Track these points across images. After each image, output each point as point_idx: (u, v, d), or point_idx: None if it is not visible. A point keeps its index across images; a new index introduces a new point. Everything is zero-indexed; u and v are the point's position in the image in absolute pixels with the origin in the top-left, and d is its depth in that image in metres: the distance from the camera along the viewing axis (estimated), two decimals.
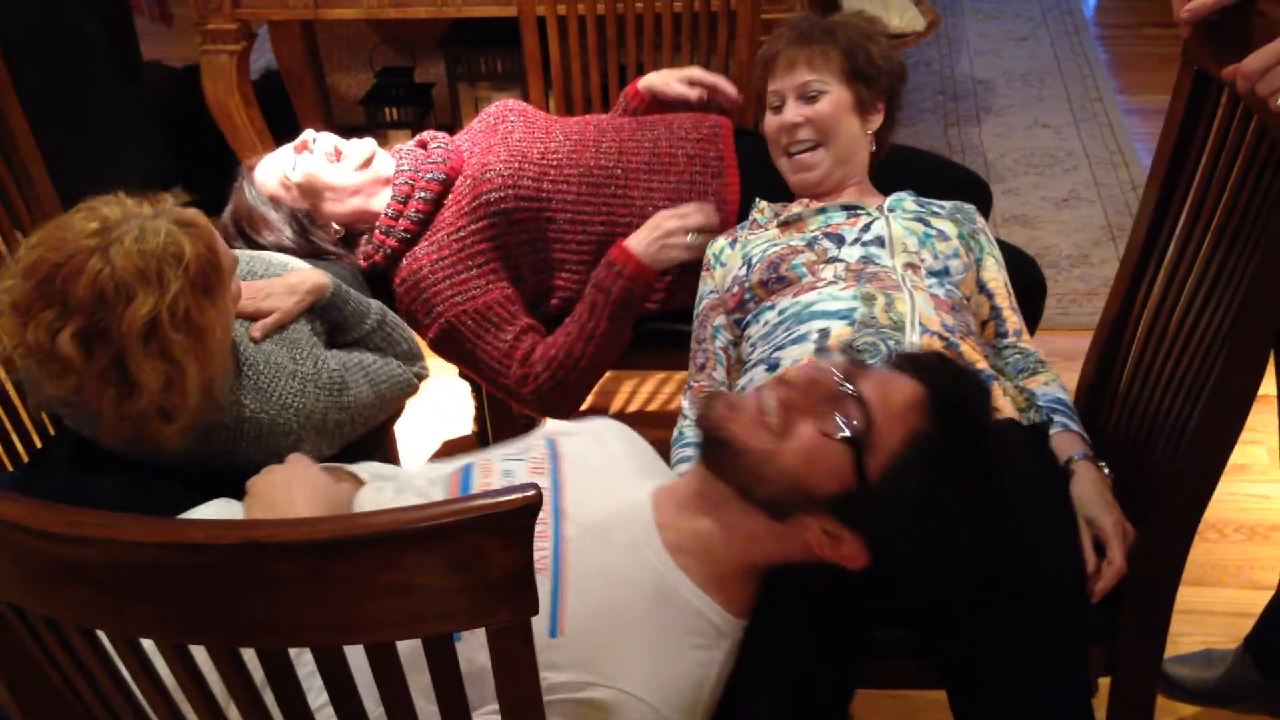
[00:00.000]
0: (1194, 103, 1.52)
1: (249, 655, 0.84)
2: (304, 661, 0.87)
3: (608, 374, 2.73)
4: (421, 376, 1.90)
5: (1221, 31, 1.41)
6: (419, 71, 3.68)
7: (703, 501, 1.26)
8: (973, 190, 2.07)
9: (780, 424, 1.20)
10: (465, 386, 2.52)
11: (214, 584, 0.78)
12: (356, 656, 0.84)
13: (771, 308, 1.67)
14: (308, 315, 1.77)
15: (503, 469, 1.36)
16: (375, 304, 1.86)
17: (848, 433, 1.17)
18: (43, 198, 1.92)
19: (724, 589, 1.24)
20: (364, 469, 1.47)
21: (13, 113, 1.86)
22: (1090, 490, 1.43)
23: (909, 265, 1.67)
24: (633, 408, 2.73)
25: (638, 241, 1.92)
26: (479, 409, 2.52)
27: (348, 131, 2.16)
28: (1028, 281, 1.91)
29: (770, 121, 1.90)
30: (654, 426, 2.53)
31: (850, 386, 1.19)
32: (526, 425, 2.58)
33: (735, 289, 1.74)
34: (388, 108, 3.50)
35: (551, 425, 1.47)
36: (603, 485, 1.32)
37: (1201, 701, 1.88)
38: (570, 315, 1.98)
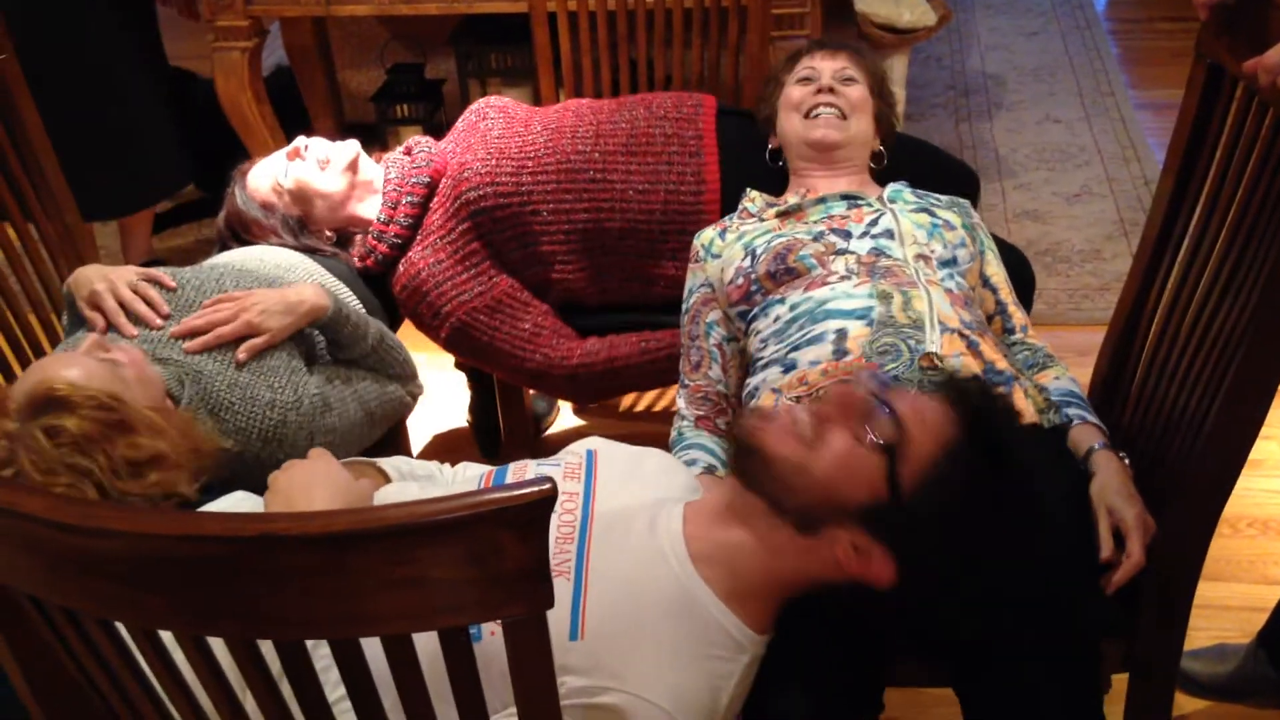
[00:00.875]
0: (1208, 96, 1.52)
1: (267, 649, 0.84)
2: (320, 655, 0.88)
3: None
4: (415, 395, 1.87)
5: (1237, 25, 1.40)
6: (430, 68, 3.68)
7: (732, 514, 1.25)
8: (961, 179, 2.06)
9: (813, 433, 1.20)
10: (460, 377, 2.50)
11: (230, 576, 0.78)
12: (375, 655, 0.84)
13: (781, 301, 1.64)
14: (291, 338, 1.71)
15: (536, 473, 1.36)
16: (375, 325, 1.81)
17: (881, 440, 1.17)
18: (55, 190, 1.93)
19: (746, 604, 1.24)
20: (393, 465, 1.47)
21: (25, 105, 1.87)
22: (1113, 480, 1.42)
23: (920, 256, 1.66)
24: (640, 406, 2.73)
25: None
26: (475, 401, 2.51)
27: (358, 129, 2.16)
28: (1019, 280, 1.90)
29: (797, 90, 1.91)
30: (659, 422, 2.53)
31: (883, 401, 1.20)
32: (538, 421, 2.58)
33: (740, 281, 1.70)
34: (399, 104, 3.50)
35: (595, 438, 1.47)
36: (635, 497, 1.32)
37: (1214, 696, 1.88)
38: (641, 336, 2.00)
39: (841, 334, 1.52)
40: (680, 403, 1.72)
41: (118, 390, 1.43)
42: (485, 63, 3.40)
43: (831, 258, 1.66)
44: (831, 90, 1.88)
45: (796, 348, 1.55)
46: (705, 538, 1.26)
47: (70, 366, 1.45)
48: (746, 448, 1.24)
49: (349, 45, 3.80)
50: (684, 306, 1.82)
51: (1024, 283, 1.93)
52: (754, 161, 2.00)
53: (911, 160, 2.00)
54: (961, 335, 1.51)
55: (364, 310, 1.91)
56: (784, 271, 1.67)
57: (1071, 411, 1.53)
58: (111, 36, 2.80)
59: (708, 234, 1.84)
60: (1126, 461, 1.47)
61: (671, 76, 2.43)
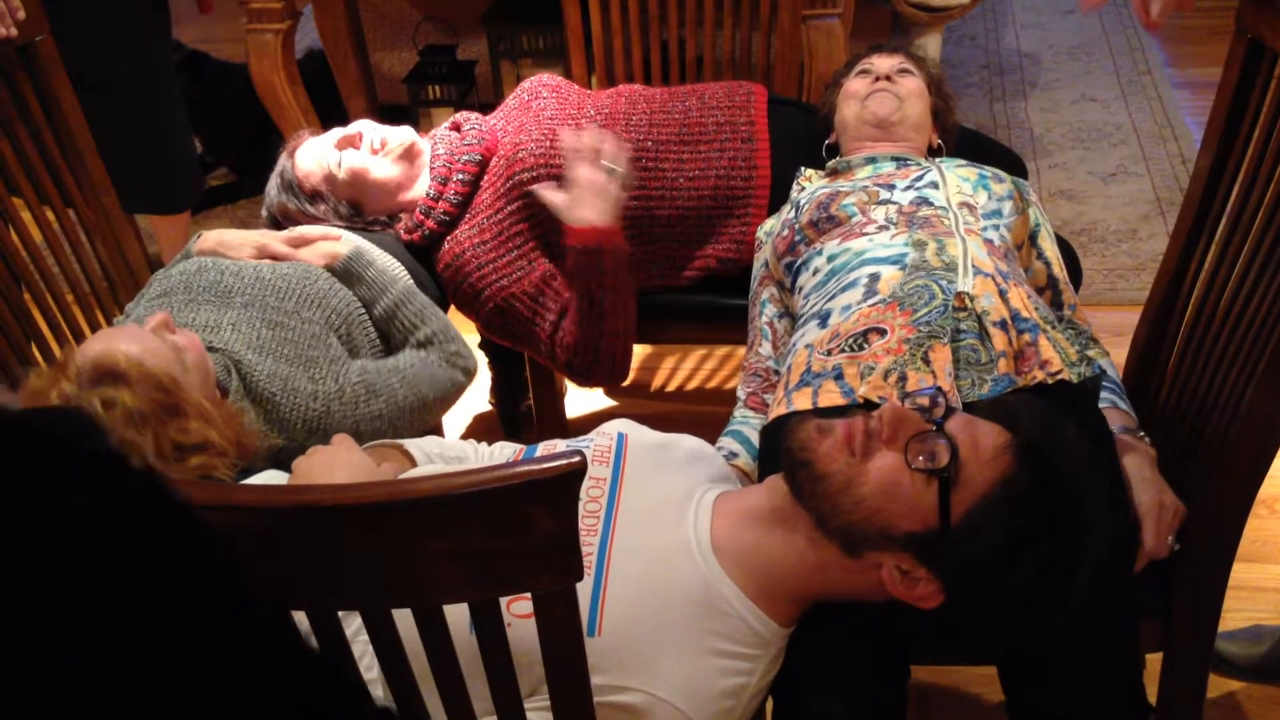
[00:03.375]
0: (1247, 72, 1.50)
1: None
2: (352, 630, 0.88)
3: (648, 350, 2.74)
4: (469, 370, 1.85)
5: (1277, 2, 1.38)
6: (462, 49, 3.68)
7: (775, 519, 1.22)
8: (1009, 166, 2.05)
9: (862, 449, 1.16)
10: (482, 358, 2.50)
11: (264, 547, 0.79)
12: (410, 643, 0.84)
13: (819, 253, 1.65)
14: (331, 328, 1.74)
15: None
16: (402, 283, 1.85)
17: (933, 466, 1.13)
18: (93, 174, 1.95)
19: (774, 603, 1.22)
20: (419, 446, 1.47)
21: (62, 87, 1.89)
22: (1129, 465, 1.41)
23: (964, 205, 1.67)
24: (671, 386, 2.73)
25: (582, 213, 1.83)
26: (497, 383, 2.51)
27: (391, 111, 2.16)
28: (1069, 271, 1.88)
29: (855, 82, 1.97)
30: (689, 402, 2.53)
31: (938, 424, 1.16)
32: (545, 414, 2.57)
33: (785, 231, 1.74)
34: (431, 86, 3.50)
35: (624, 420, 1.44)
36: (663, 487, 1.29)
37: (1249, 677, 1.87)
38: (572, 308, 1.94)
39: (874, 278, 1.52)
40: (739, 384, 1.72)
41: (176, 374, 1.46)
42: (517, 43, 3.40)
43: (873, 206, 1.68)
44: (889, 79, 1.94)
45: (832, 297, 1.55)
46: (739, 539, 1.23)
47: (136, 342, 1.47)
48: (799, 460, 1.19)
49: (381, 27, 3.80)
50: (750, 295, 1.85)
51: (1071, 277, 1.93)
52: (803, 150, 2.01)
53: (957, 149, 2.01)
54: (995, 280, 1.49)
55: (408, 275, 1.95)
56: (826, 219, 1.69)
57: (1104, 395, 1.51)
58: (139, 45, 2.80)
59: (768, 223, 1.89)
60: (1147, 441, 1.46)
61: (703, 58, 2.42)
